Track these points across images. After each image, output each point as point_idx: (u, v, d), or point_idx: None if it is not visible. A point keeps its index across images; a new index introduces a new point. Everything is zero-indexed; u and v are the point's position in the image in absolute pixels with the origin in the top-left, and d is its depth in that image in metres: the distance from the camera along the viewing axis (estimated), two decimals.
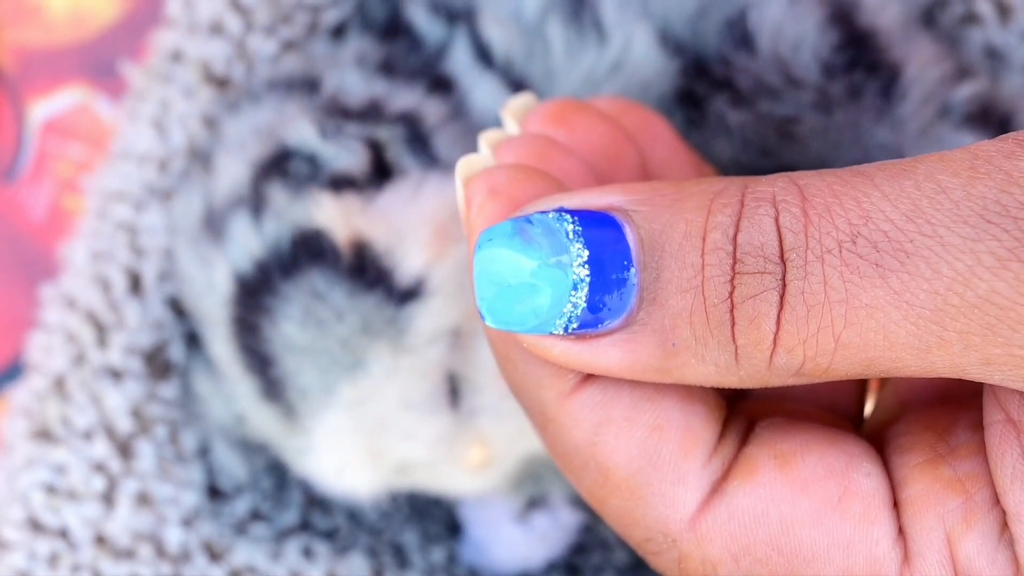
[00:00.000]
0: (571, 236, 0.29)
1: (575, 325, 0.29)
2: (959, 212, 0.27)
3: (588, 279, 0.29)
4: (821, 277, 0.28)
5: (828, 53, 0.44)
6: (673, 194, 0.30)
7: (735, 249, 0.29)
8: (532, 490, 0.48)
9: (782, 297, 0.28)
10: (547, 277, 0.29)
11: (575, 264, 0.29)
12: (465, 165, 0.33)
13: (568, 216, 0.29)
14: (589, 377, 0.31)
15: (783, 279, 0.28)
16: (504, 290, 0.29)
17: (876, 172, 0.28)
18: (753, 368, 0.29)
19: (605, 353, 0.30)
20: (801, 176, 0.29)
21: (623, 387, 0.31)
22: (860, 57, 0.44)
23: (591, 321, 0.29)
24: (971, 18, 0.50)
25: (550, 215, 0.30)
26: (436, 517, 0.51)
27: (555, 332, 0.29)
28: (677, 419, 0.31)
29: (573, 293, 0.29)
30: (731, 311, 0.28)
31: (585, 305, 0.29)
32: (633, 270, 0.29)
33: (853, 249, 0.28)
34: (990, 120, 0.45)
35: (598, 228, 0.29)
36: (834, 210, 0.28)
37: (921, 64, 0.45)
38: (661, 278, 0.29)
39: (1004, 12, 0.50)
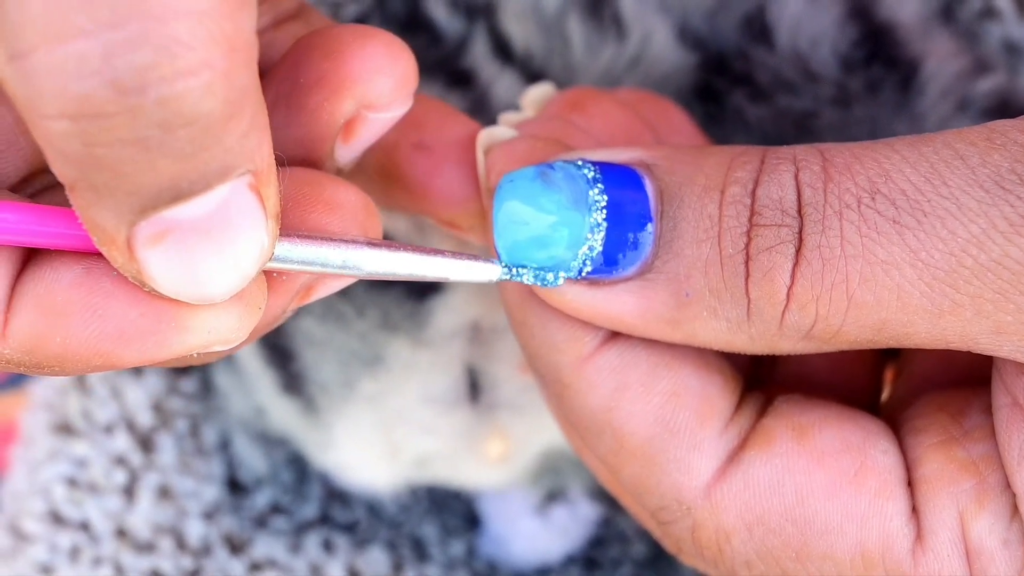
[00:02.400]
0: (591, 182, 0.29)
1: (589, 268, 0.30)
2: (975, 177, 0.28)
3: (605, 224, 0.29)
4: (838, 231, 0.28)
5: (847, 48, 0.44)
6: (694, 152, 0.30)
7: (753, 202, 0.29)
8: (551, 483, 0.48)
9: (798, 251, 0.28)
10: (565, 218, 0.29)
11: (593, 208, 0.29)
12: (486, 136, 0.33)
13: (590, 165, 0.30)
14: (607, 342, 0.32)
15: (800, 233, 0.28)
16: (522, 229, 0.30)
17: (895, 140, 0.29)
18: (764, 325, 0.29)
19: (618, 299, 0.30)
20: (822, 144, 0.30)
21: (640, 353, 0.31)
22: (878, 52, 0.44)
23: (606, 266, 0.30)
24: (989, 12, 0.50)
25: (572, 161, 0.30)
26: (455, 510, 0.51)
27: (569, 275, 0.30)
28: (694, 387, 0.31)
29: (589, 236, 0.29)
30: (746, 263, 0.29)
31: (601, 249, 0.29)
32: (651, 218, 0.30)
33: (872, 205, 0.28)
34: (1008, 114, 0.45)
35: (618, 178, 0.30)
36: (854, 168, 0.28)
37: (940, 59, 0.45)
38: (678, 228, 0.30)
39: (1023, 7, 0.50)
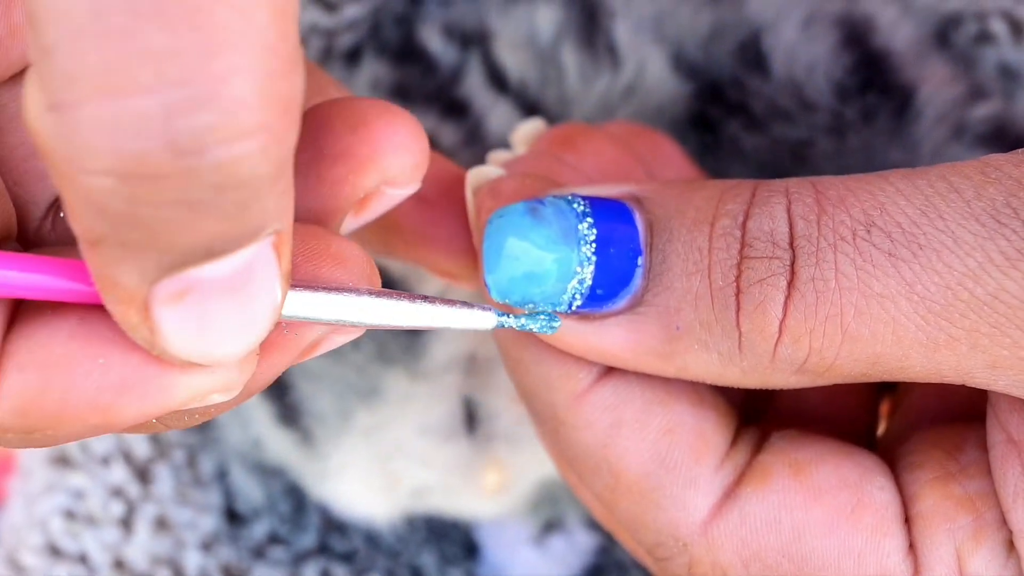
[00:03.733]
0: (580, 216, 0.29)
1: (579, 303, 0.30)
2: (971, 210, 0.28)
3: (595, 258, 0.29)
4: (833, 264, 0.28)
5: (842, 75, 0.44)
6: (685, 186, 0.30)
7: (744, 234, 0.29)
8: (548, 513, 0.48)
9: (790, 283, 0.28)
10: (555, 253, 0.29)
11: (583, 242, 0.29)
12: (475, 175, 0.34)
13: (580, 199, 0.30)
14: (601, 378, 0.31)
15: (792, 266, 0.28)
16: (512, 264, 0.30)
17: (889, 173, 0.29)
18: (756, 359, 0.29)
19: (609, 333, 0.30)
20: (814, 177, 0.30)
21: (635, 389, 0.31)
22: (874, 79, 0.44)
23: (596, 301, 0.30)
24: (985, 37, 0.50)
25: (562, 196, 0.30)
26: (453, 539, 0.51)
27: (559, 309, 0.30)
28: (689, 423, 0.31)
29: (579, 270, 0.29)
30: (737, 295, 0.29)
31: (591, 283, 0.30)
32: (641, 252, 0.30)
33: (867, 238, 0.28)
34: (1005, 140, 0.45)
35: (608, 212, 0.30)
36: (848, 200, 0.28)
37: (935, 85, 0.45)
38: (668, 260, 0.30)
39: (1018, 31, 0.50)
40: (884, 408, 0.36)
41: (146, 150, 0.21)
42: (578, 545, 0.49)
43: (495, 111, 0.45)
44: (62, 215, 0.29)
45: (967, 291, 0.27)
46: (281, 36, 0.22)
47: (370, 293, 0.28)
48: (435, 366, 0.43)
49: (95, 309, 0.25)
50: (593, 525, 0.49)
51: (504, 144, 0.45)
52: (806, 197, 0.29)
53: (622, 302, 0.30)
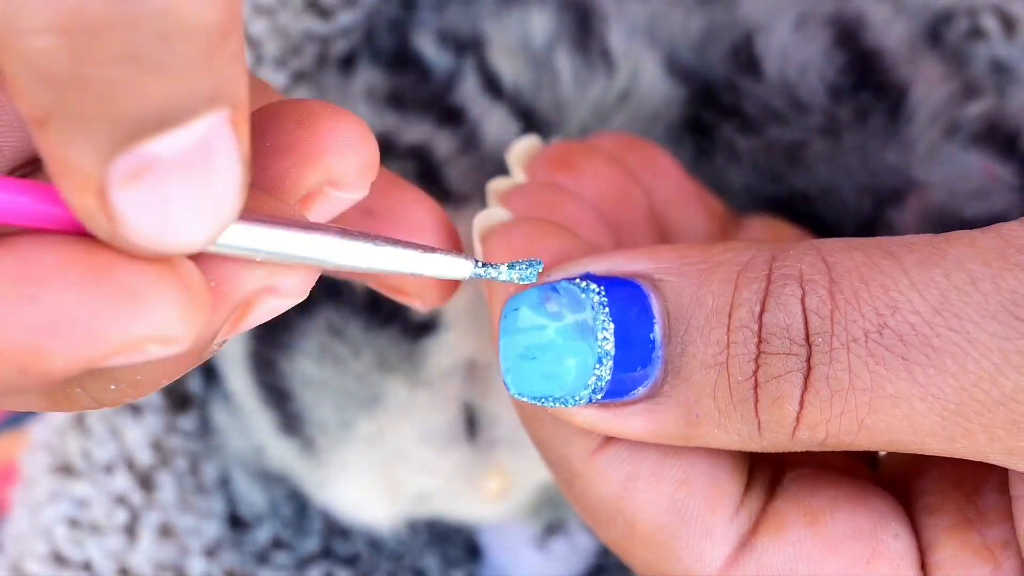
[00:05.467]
0: (597, 308, 0.29)
1: (600, 396, 0.30)
2: (987, 307, 0.27)
3: (613, 352, 0.29)
4: (846, 364, 0.28)
5: (834, 75, 0.44)
6: (700, 263, 0.30)
7: (760, 328, 0.29)
8: (550, 516, 0.48)
9: (806, 379, 0.28)
10: (573, 350, 0.29)
11: (601, 338, 0.29)
12: (482, 220, 0.33)
13: (595, 285, 0.30)
14: None
15: (808, 361, 0.28)
16: (530, 362, 0.30)
17: (905, 255, 0.28)
18: (776, 440, 0.29)
19: (629, 421, 0.30)
20: (830, 251, 0.29)
21: (649, 443, 0.31)
22: (866, 78, 0.44)
23: (616, 392, 0.30)
24: (977, 33, 0.50)
25: (576, 283, 0.30)
26: (456, 541, 0.51)
27: (580, 404, 0.30)
28: (703, 473, 0.31)
29: (598, 366, 0.29)
30: (755, 389, 0.29)
31: (610, 377, 0.29)
32: (659, 343, 0.30)
33: (879, 340, 0.28)
34: (998, 138, 0.45)
35: (625, 299, 0.30)
36: (861, 296, 0.28)
37: (927, 83, 0.45)
38: (687, 352, 0.29)
39: (1010, 26, 0.50)
40: None
41: None
42: (580, 546, 0.50)
43: (490, 118, 0.46)
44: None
45: (983, 392, 0.27)
46: None
47: (336, 232, 0.26)
48: (435, 373, 0.43)
49: (28, 245, 0.24)
50: None
51: (499, 152, 0.45)
52: (819, 288, 0.28)
53: (641, 392, 0.30)
